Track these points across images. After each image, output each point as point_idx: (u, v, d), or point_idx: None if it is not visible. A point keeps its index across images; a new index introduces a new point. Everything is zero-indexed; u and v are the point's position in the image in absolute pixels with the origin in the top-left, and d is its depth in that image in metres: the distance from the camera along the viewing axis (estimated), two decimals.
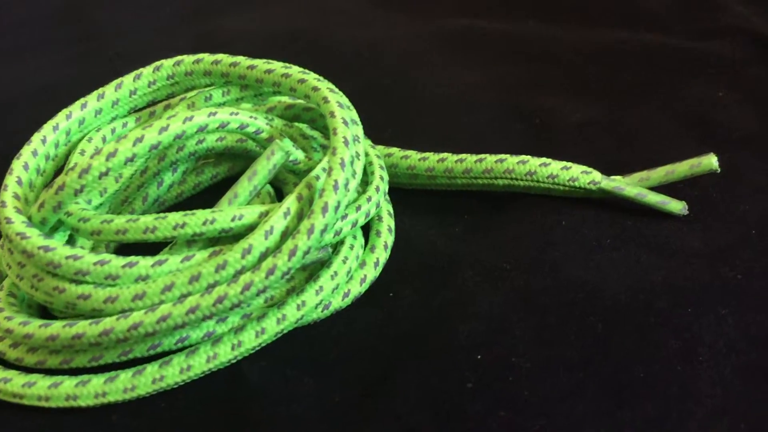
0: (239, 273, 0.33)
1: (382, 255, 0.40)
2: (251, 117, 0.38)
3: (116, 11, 0.74)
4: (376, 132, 0.49)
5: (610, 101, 0.54)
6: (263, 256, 0.33)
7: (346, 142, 0.36)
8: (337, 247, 0.39)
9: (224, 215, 0.34)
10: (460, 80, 0.58)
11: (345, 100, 0.38)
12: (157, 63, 0.42)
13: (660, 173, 0.43)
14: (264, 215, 0.35)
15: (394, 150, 0.46)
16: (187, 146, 0.43)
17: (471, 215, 0.44)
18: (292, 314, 0.36)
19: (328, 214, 0.34)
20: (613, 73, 0.58)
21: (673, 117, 0.52)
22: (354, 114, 0.41)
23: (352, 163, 0.35)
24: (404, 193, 0.46)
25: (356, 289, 0.38)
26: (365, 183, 0.42)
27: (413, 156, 0.45)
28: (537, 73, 0.59)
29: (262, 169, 0.36)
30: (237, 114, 0.37)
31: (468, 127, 0.53)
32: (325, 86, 0.39)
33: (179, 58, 0.42)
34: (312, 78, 0.39)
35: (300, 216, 0.35)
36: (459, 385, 0.34)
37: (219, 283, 0.33)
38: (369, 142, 0.45)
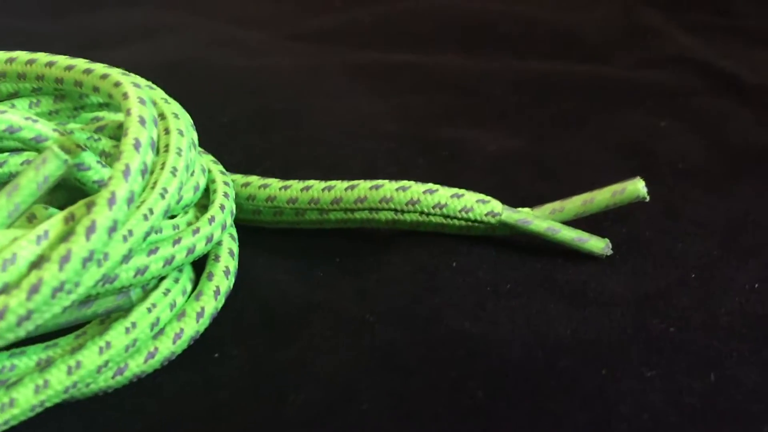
0: None
1: (210, 304, 0.31)
2: (28, 119, 0.29)
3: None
4: (251, 163, 0.41)
5: (531, 132, 0.46)
6: None
7: (137, 145, 0.27)
8: (149, 292, 0.30)
9: None
10: (360, 110, 0.50)
11: (161, 95, 0.30)
12: None
13: (576, 203, 0.34)
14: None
15: (253, 178, 0.37)
16: None
17: (343, 257, 0.35)
18: (58, 380, 0.26)
19: (95, 236, 0.24)
20: (538, 103, 0.50)
21: (607, 148, 0.44)
22: (182, 123, 0.32)
23: (143, 173, 0.26)
24: (265, 234, 0.37)
25: (167, 347, 0.29)
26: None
27: (274, 185, 0.36)
28: (449, 104, 0.51)
29: (29, 182, 0.27)
30: (3, 113, 0.28)
31: (362, 159, 0.44)
32: (130, 81, 0.30)
33: None
34: (116, 72, 0.31)
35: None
36: None
37: None
38: (220, 167, 0.36)
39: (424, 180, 0.35)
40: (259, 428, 0.26)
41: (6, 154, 0.35)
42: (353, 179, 0.36)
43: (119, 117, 0.38)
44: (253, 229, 0.37)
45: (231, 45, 0.62)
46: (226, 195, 0.34)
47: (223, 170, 0.36)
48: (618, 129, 0.46)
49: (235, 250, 0.34)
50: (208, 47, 0.61)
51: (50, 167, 0.27)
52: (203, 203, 0.35)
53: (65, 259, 0.24)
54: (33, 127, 0.29)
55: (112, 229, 0.25)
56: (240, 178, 0.38)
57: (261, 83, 0.54)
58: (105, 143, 0.34)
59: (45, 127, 0.30)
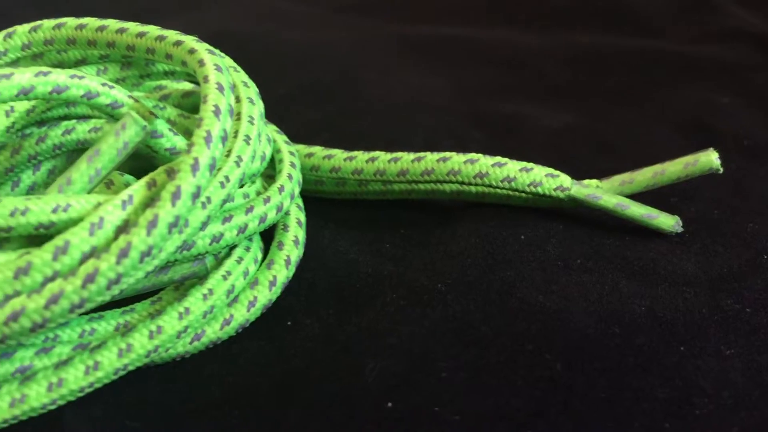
0: (49, 280, 0.24)
1: (281, 273, 0.31)
2: (105, 85, 0.29)
3: (51, 15, 0.66)
4: (309, 136, 0.41)
5: (589, 107, 0.46)
6: (86, 258, 0.24)
7: (217, 112, 0.27)
8: (222, 260, 0.30)
9: (42, 204, 0.25)
10: (414, 85, 0.50)
11: (230, 64, 0.30)
12: (9, 29, 0.33)
13: (646, 175, 0.34)
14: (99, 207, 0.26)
15: (316, 149, 0.37)
16: (50, 137, 0.34)
17: (408, 229, 0.35)
18: (141, 345, 0.26)
19: (180, 202, 0.24)
20: (594, 78, 0.49)
21: (666, 124, 0.43)
22: (251, 91, 0.32)
23: (223, 139, 0.26)
24: (330, 204, 0.37)
25: (242, 314, 0.29)
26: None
27: (338, 155, 0.36)
28: (503, 79, 0.50)
29: (109, 147, 0.27)
30: (81, 78, 0.28)
31: (419, 133, 0.44)
32: (205, 47, 0.30)
33: (38, 22, 0.33)
34: (190, 39, 0.30)
35: (149, 208, 0.25)
36: None
37: (19, 294, 0.24)
38: (284, 137, 0.36)
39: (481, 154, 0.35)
40: (338, 396, 0.26)
41: (74, 121, 0.35)
42: (414, 153, 0.36)
43: (182, 86, 0.38)
44: (315, 200, 0.37)
45: (278, 17, 0.62)
46: (292, 164, 0.34)
47: (288, 140, 0.36)
48: (677, 105, 0.45)
49: (303, 219, 0.34)
50: (256, 19, 0.61)
51: (130, 133, 0.27)
52: (268, 173, 0.35)
53: (152, 224, 0.24)
54: (109, 93, 0.29)
55: (195, 196, 0.25)
56: (303, 149, 0.38)
57: (312, 56, 0.54)
58: (170, 111, 0.35)
59: (120, 94, 0.30)
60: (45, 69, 0.28)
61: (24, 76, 0.27)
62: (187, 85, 0.38)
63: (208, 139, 0.26)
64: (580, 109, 0.46)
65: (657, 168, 0.34)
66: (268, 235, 0.33)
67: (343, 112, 0.47)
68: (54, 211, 0.25)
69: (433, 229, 0.35)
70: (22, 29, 0.33)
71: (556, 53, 0.52)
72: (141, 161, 0.35)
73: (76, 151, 0.36)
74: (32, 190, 0.36)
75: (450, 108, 0.47)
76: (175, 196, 0.24)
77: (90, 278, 0.23)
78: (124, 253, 0.24)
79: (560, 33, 0.55)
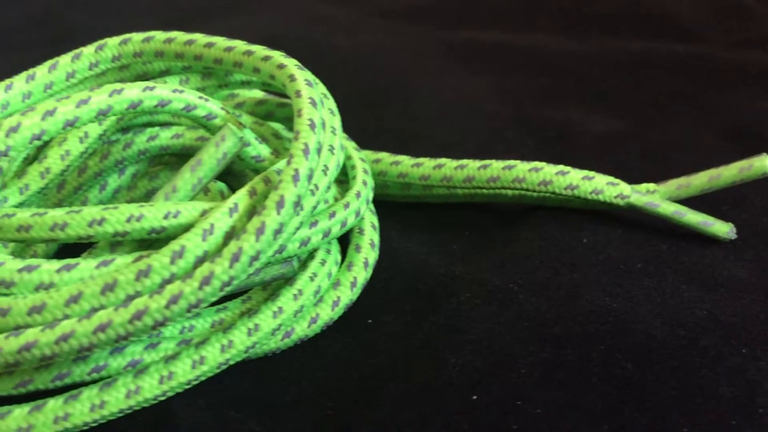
0: (167, 282, 0.26)
1: (360, 274, 0.33)
2: (201, 98, 0.31)
3: (100, 16, 0.68)
4: (366, 140, 0.43)
5: (635, 114, 0.48)
6: (199, 262, 0.26)
7: (312, 126, 0.29)
8: (306, 262, 0.32)
9: (155, 211, 0.27)
10: (464, 90, 0.51)
11: (316, 81, 0.32)
12: (101, 41, 0.36)
13: (702, 179, 0.36)
14: (207, 214, 0.28)
15: (383, 155, 0.39)
16: (135, 143, 0.36)
17: (473, 231, 0.37)
18: (241, 341, 0.28)
19: (284, 210, 0.26)
20: (638, 84, 0.51)
21: (713, 130, 0.45)
22: (331, 103, 0.34)
23: (318, 151, 0.28)
24: (395, 207, 0.39)
25: (327, 313, 0.31)
26: (346, 190, 0.35)
27: (405, 162, 0.38)
28: (549, 86, 0.52)
29: (210, 158, 0.29)
30: (182, 92, 0.30)
31: (471, 138, 0.46)
32: (293, 63, 0.32)
33: (127, 35, 0.36)
34: (278, 55, 0.32)
35: (251, 215, 0.28)
36: None
37: (140, 295, 0.26)
38: (353, 144, 0.38)
39: (534, 160, 0.37)
40: (424, 390, 0.28)
41: (157, 128, 0.37)
42: (467, 158, 0.38)
43: (254, 94, 0.40)
44: (380, 202, 0.39)
45: (324, 22, 0.63)
46: (365, 171, 0.36)
47: (357, 147, 0.38)
48: (723, 111, 0.47)
49: (376, 223, 0.36)
50: (303, 24, 0.63)
51: (228, 144, 0.30)
52: (339, 179, 0.37)
53: (260, 231, 0.26)
54: (205, 105, 0.31)
55: (296, 204, 0.27)
56: (370, 154, 0.39)
57: (362, 62, 0.56)
58: (246, 119, 0.37)
59: (215, 106, 0.32)
60: (150, 84, 0.30)
61: (133, 92, 0.29)
62: (258, 94, 0.40)
63: (306, 151, 0.28)
64: (627, 115, 0.47)
65: (713, 172, 0.36)
66: (342, 238, 0.35)
67: (396, 117, 0.49)
68: (165, 217, 0.27)
69: (496, 231, 0.36)
70: (112, 42, 0.35)
71: (600, 59, 0.54)
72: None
73: (158, 156, 0.38)
74: (117, 193, 0.38)
75: (499, 113, 0.49)
76: (279, 204, 0.26)
77: (206, 281, 0.25)
78: (236, 258, 0.26)
79: (602, 39, 0.57)
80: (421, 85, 0.52)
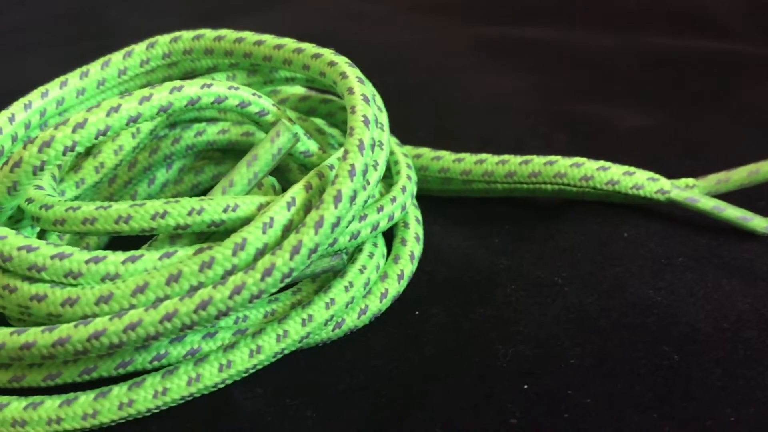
0: (229, 273, 0.27)
1: (407, 267, 0.33)
2: (254, 95, 0.32)
3: (130, 12, 0.69)
4: (405, 134, 0.43)
5: (669, 109, 0.48)
6: (260, 254, 0.27)
7: (366, 122, 0.29)
8: (353, 255, 0.33)
9: (215, 204, 0.28)
10: (497, 85, 0.52)
11: (365, 79, 0.32)
12: (152, 39, 0.36)
13: (741, 174, 0.36)
14: (264, 207, 0.29)
15: (424, 150, 0.40)
16: (183, 138, 0.37)
17: (513, 225, 0.38)
18: (295, 331, 0.29)
19: (341, 204, 0.27)
20: (673, 80, 0.51)
21: (747, 126, 0.46)
22: (379, 99, 0.35)
23: (372, 147, 0.29)
24: (435, 201, 0.40)
25: (375, 305, 0.32)
26: (389, 184, 0.36)
27: (446, 157, 0.39)
28: (581, 81, 0.53)
29: (265, 153, 0.30)
30: (237, 89, 0.31)
31: (506, 133, 0.47)
32: (344, 60, 0.33)
33: (177, 33, 0.36)
34: (329, 53, 0.33)
35: (307, 209, 0.28)
36: (499, 421, 0.27)
37: (203, 285, 0.27)
38: (395, 139, 0.39)
39: (569, 155, 0.37)
40: (475, 379, 0.28)
41: (204, 123, 0.38)
42: (504, 153, 0.38)
43: (295, 90, 0.41)
44: (420, 197, 0.39)
45: (357, 17, 0.64)
46: (408, 166, 0.37)
47: (399, 142, 0.39)
48: (757, 106, 0.47)
49: (420, 217, 0.36)
50: (333, 20, 0.63)
51: (283, 140, 0.30)
52: None
53: (319, 225, 0.27)
54: (258, 102, 0.32)
55: (353, 198, 0.28)
56: (411, 150, 0.40)
57: (395, 57, 0.56)
58: (290, 115, 0.37)
59: (267, 103, 0.32)
60: (207, 81, 0.30)
61: (192, 89, 0.30)
62: (300, 90, 0.41)
63: (361, 147, 0.29)
64: (661, 110, 0.48)
65: (752, 167, 0.36)
66: (385, 232, 0.35)
67: (429, 113, 0.49)
68: (225, 210, 0.28)
69: (536, 226, 0.37)
70: (163, 40, 0.36)
71: (633, 55, 0.54)
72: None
73: (203, 151, 0.39)
74: (165, 186, 0.39)
75: (533, 109, 0.49)
76: (337, 199, 0.27)
77: (268, 272, 0.26)
78: (296, 251, 0.26)
79: (635, 34, 0.57)
80: (453, 80, 0.53)
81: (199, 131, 0.38)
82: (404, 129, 0.46)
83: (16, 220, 0.31)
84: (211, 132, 0.38)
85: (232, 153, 0.40)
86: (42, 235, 0.33)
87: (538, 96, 0.51)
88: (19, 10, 0.73)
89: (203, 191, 0.40)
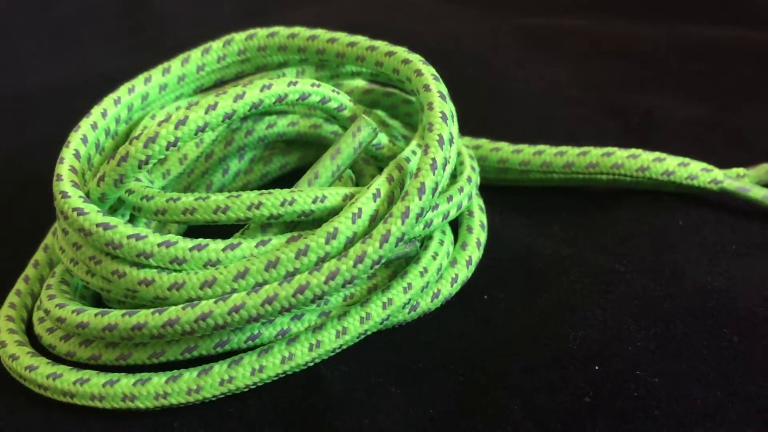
0: (322, 260, 0.29)
1: (474, 253, 0.35)
2: (334, 91, 0.34)
3: (178, 3, 0.71)
4: (459, 126, 0.45)
5: (716, 100, 0.49)
6: (350, 242, 0.29)
7: (444, 118, 0.31)
8: (424, 242, 0.35)
9: (305, 196, 0.30)
10: (544, 76, 0.54)
11: (439, 76, 0.34)
12: (228, 36, 0.38)
13: None
14: (349, 198, 0.31)
15: (483, 141, 0.42)
16: (256, 130, 0.39)
17: (569, 214, 0.39)
18: (377, 313, 0.31)
19: (425, 196, 0.29)
20: (719, 71, 0.53)
21: None
22: (447, 90, 0.36)
23: (450, 142, 0.31)
24: (492, 190, 0.41)
25: (447, 289, 0.34)
26: (454, 175, 0.38)
27: (505, 148, 0.41)
28: (628, 71, 0.54)
29: (347, 147, 0.32)
30: (318, 86, 0.33)
31: (557, 124, 0.48)
32: (418, 58, 0.34)
33: (252, 31, 0.38)
34: (402, 50, 0.35)
35: (390, 200, 0.30)
36: (574, 399, 0.29)
37: (299, 271, 0.29)
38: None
39: (620, 145, 0.39)
40: (548, 360, 0.30)
41: (274, 116, 0.40)
42: (556, 144, 0.40)
43: (356, 83, 0.42)
44: (480, 188, 0.41)
45: (406, 9, 0.66)
46: (471, 157, 0.38)
47: (459, 134, 0.41)
48: None
49: (483, 206, 0.38)
50: (386, 11, 0.65)
51: (363, 134, 0.32)
52: None
53: (405, 215, 0.29)
54: (337, 98, 0.34)
55: (434, 190, 0.30)
56: (470, 141, 0.42)
57: (444, 49, 0.58)
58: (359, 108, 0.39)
59: (344, 98, 0.34)
60: (293, 79, 0.32)
61: (280, 87, 0.32)
62: (361, 83, 0.43)
63: (440, 142, 0.30)
64: (707, 100, 0.49)
65: None
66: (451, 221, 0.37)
67: (481, 104, 0.51)
68: (314, 201, 0.30)
69: (593, 214, 0.39)
70: (239, 37, 0.38)
71: (678, 45, 0.56)
72: (310, 148, 0.40)
73: (273, 142, 0.41)
74: (237, 176, 0.41)
75: (581, 99, 0.51)
76: (420, 191, 0.29)
77: (359, 259, 0.28)
78: (385, 239, 0.28)
79: (678, 25, 0.59)
80: (502, 71, 0.55)
81: (270, 123, 0.40)
82: (459, 121, 0.48)
83: (113, 210, 0.33)
84: (282, 124, 0.40)
85: (298, 144, 0.42)
86: (131, 221, 0.35)
87: (586, 86, 0.52)
88: (64, 1, 0.75)
89: (272, 180, 0.42)
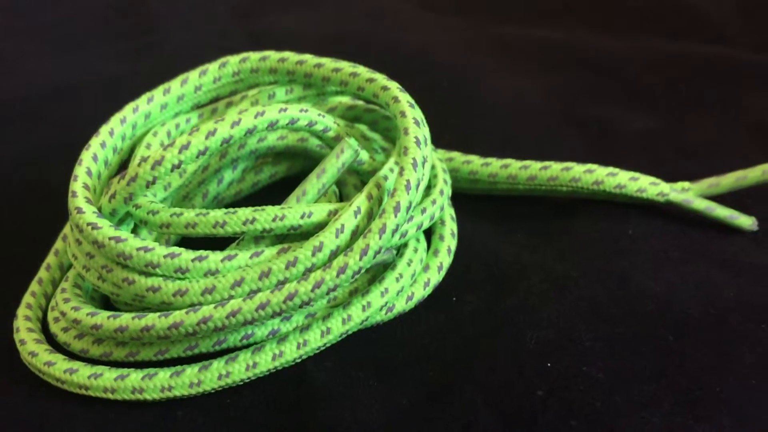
0: (309, 271, 0.33)
1: (445, 259, 0.39)
2: (320, 115, 0.37)
3: (173, 5, 0.74)
4: (433, 136, 0.49)
5: (669, 112, 0.54)
6: (333, 255, 0.33)
7: (417, 143, 0.35)
8: (400, 249, 0.39)
9: (294, 212, 0.34)
10: (513, 87, 0.58)
11: (414, 103, 0.38)
12: (223, 59, 0.42)
13: (730, 179, 0.42)
14: (333, 213, 0.35)
15: (455, 154, 0.46)
16: (248, 144, 0.43)
17: (533, 222, 0.43)
18: (357, 315, 0.35)
19: (400, 214, 0.33)
20: (673, 84, 0.57)
21: (740, 130, 0.51)
22: (422, 116, 0.40)
23: (423, 164, 0.35)
24: (463, 198, 0.45)
25: (420, 292, 0.38)
26: (428, 186, 0.42)
27: (475, 161, 0.45)
28: (590, 83, 0.58)
29: (331, 167, 0.36)
30: (306, 111, 0.37)
31: (524, 133, 0.52)
32: (395, 86, 0.38)
33: (245, 55, 0.42)
34: (381, 78, 0.39)
35: (370, 215, 0.34)
36: (528, 392, 0.33)
37: (289, 280, 0.33)
38: (431, 146, 0.45)
39: (580, 156, 0.43)
40: (509, 356, 0.35)
41: (265, 131, 0.44)
42: (523, 154, 0.44)
43: (340, 98, 0.46)
44: (453, 197, 0.45)
45: (382, 15, 0.69)
46: (444, 170, 0.42)
47: (433, 147, 0.45)
48: (750, 112, 0.53)
49: (454, 215, 0.42)
50: (366, 20, 0.68)
51: (346, 155, 0.36)
52: None
53: (382, 231, 0.33)
54: (323, 121, 0.38)
55: (408, 208, 0.34)
56: (443, 154, 0.46)
57: (422, 59, 0.61)
58: (341, 123, 0.43)
59: (330, 121, 0.38)
60: (283, 105, 0.36)
61: (272, 113, 0.35)
62: (345, 99, 0.46)
63: (414, 165, 0.34)
64: (660, 113, 0.53)
65: (739, 174, 0.42)
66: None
67: (456, 115, 0.55)
68: (302, 217, 0.34)
69: (554, 223, 0.43)
70: (233, 60, 0.42)
71: (636, 58, 0.60)
72: (297, 159, 0.44)
73: (264, 155, 0.45)
74: (230, 185, 0.45)
75: (546, 110, 0.55)
76: (396, 209, 0.33)
77: (342, 270, 0.32)
78: (364, 252, 0.32)
79: (638, 37, 0.63)
80: (476, 81, 0.59)
81: (261, 138, 0.43)
82: (433, 132, 0.52)
83: (121, 221, 0.37)
84: (271, 138, 0.43)
85: (286, 155, 0.46)
86: (134, 232, 0.39)
87: (552, 97, 0.56)
88: (62, 3, 0.77)
89: (262, 188, 0.46)
